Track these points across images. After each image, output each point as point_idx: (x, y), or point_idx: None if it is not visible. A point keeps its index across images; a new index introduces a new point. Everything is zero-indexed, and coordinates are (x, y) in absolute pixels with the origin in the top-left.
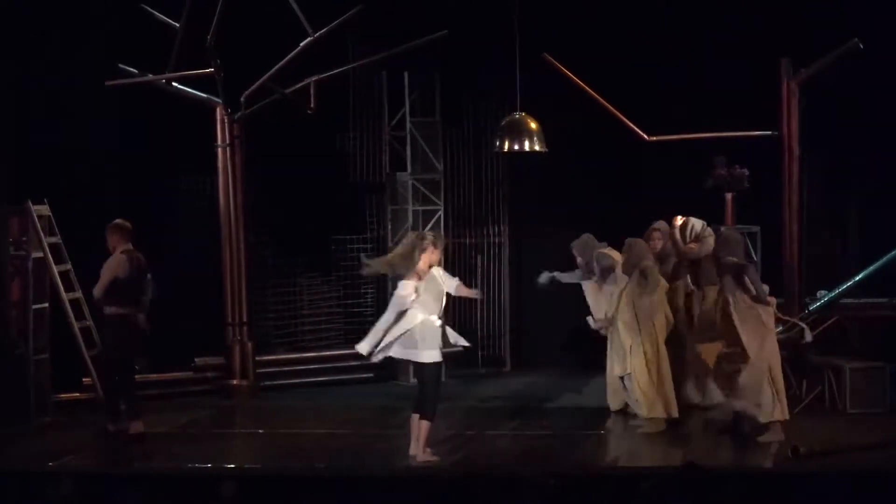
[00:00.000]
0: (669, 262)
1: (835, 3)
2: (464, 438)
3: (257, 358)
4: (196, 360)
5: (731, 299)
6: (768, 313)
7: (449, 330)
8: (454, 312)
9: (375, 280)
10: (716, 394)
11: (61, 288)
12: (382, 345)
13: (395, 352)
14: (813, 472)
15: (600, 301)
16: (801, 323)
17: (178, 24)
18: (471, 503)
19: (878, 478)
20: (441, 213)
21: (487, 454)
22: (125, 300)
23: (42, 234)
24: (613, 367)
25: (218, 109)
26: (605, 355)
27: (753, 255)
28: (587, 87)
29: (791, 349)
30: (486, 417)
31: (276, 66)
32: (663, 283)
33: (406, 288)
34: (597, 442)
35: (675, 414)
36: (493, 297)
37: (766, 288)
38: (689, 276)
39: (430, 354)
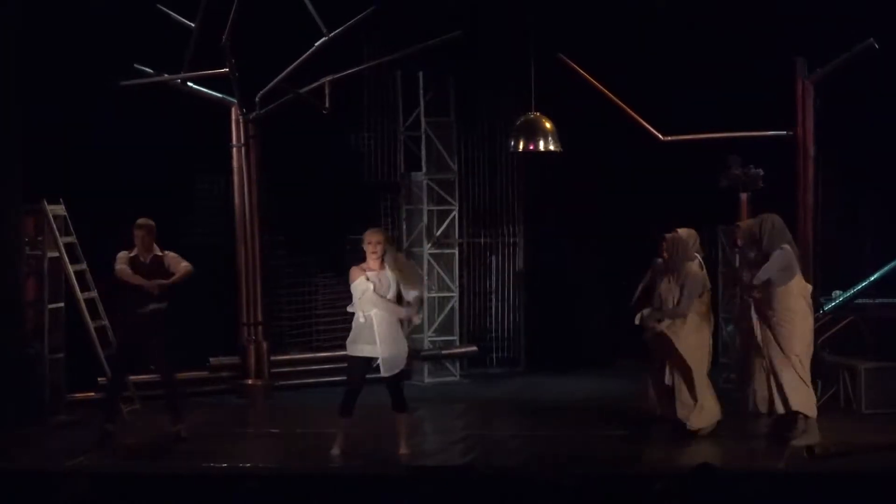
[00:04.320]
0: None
1: (850, 1)
2: (477, 438)
3: (272, 358)
4: (211, 359)
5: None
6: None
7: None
8: (468, 312)
9: None
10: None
11: (77, 287)
12: None
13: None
14: (828, 472)
15: None
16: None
17: (193, 25)
18: (482, 501)
19: (893, 478)
20: (455, 212)
21: (501, 454)
22: None
23: (57, 234)
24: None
25: (233, 109)
26: (617, 354)
27: None
28: (602, 87)
29: None
30: (500, 417)
31: (291, 66)
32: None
33: (356, 287)
34: (611, 442)
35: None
36: (507, 297)
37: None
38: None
39: (354, 348)
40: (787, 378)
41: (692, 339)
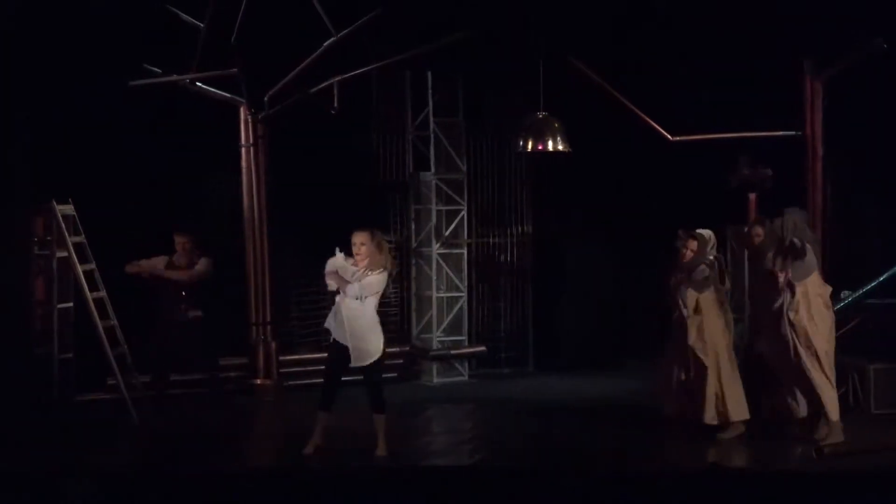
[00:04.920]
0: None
1: (859, 1)
2: (486, 439)
3: (281, 357)
4: (220, 359)
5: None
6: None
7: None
8: (477, 312)
9: (400, 279)
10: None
11: (86, 287)
12: None
13: None
14: (837, 472)
15: None
16: None
17: (202, 24)
18: (491, 502)
19: None
20: (464, 212)
21: (510, 455)
22: None
23: (66, 234)
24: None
25: (242, 109)
26: (625, 355)
27: None
28: (610, 87)
29: None
30: (508, 418)
31: (300, 67)
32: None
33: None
34: (620, 443)
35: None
36: (516, 297)
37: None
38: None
39: (332, 328)
40: (816, 378)
41: (715, 331)
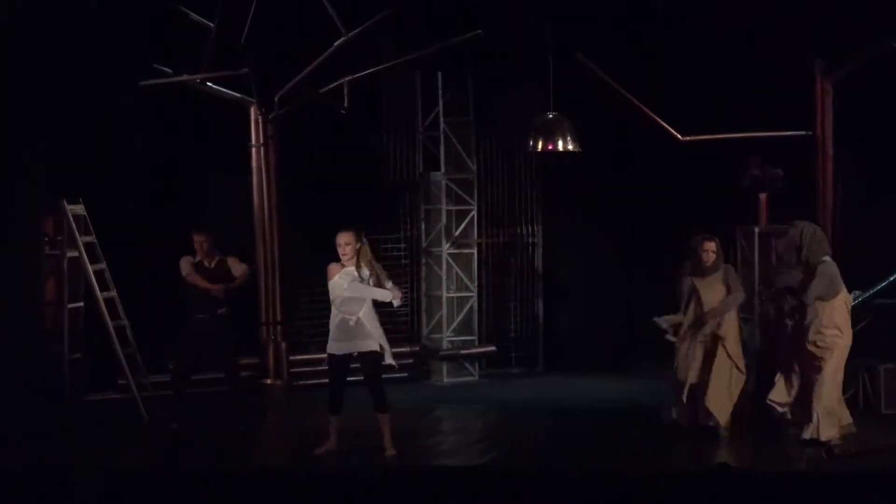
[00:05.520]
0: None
1: (869, 1)
2: (496, 439)
3: (291, 357)
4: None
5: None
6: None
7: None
8: (487, 312)
9: (409, 279)
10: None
11: (96, 287)
12: None
13: None
14: (847, 472)
15: None
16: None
17: (212, 24)
18: (501, 502)
19: None
20: (474, 212)
21: (520, 455)
22: None
23: (77, 234)
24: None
25: (252, 109)
26: (635, 355)
27: None
28: (620, 87)
29: None
30: (518, 418)
31: (310, 67)
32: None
33: (334, 285)
34: (629, 442)
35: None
36: (526, 297)
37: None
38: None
39: (330, 346)
40: (825, 402)
41: (736, 338)
